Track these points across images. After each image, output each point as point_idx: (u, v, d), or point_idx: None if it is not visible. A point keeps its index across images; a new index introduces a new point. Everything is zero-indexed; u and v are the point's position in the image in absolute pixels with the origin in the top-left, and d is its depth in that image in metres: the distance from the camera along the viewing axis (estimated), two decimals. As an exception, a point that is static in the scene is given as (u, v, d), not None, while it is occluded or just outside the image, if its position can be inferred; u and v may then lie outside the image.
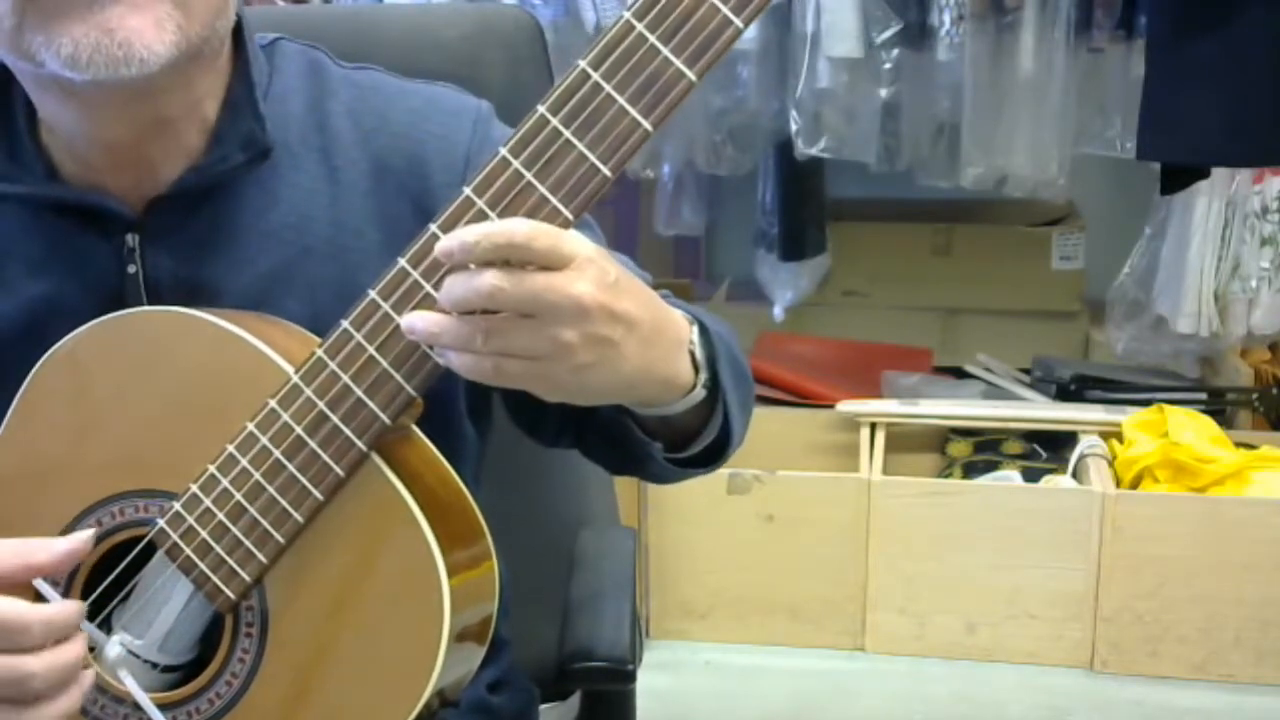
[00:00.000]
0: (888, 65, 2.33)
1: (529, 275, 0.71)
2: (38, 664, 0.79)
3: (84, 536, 0.83)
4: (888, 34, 2.28)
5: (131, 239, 0.90)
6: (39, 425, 0.88)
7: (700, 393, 0.84)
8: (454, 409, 0.97)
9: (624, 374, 0.76)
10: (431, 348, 0.76)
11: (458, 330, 0.73)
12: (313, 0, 2.27)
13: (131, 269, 0.90)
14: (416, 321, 0.74)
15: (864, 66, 2.34)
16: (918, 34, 2.30)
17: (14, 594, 0.80)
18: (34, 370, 0.87)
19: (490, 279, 0.71)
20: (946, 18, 2.27)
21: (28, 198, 0.91)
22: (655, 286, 0.87)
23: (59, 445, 0.87)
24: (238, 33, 0.92)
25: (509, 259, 0.71)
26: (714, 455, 0.91)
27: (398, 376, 0.78)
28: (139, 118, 0.86)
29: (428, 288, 0.77)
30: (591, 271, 0.73)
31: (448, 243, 0.72)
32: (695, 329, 0.84)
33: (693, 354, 0.83)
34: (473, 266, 0.72)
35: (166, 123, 0.88)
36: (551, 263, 0.72)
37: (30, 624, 0.79)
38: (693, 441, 0.89)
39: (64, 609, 0.81)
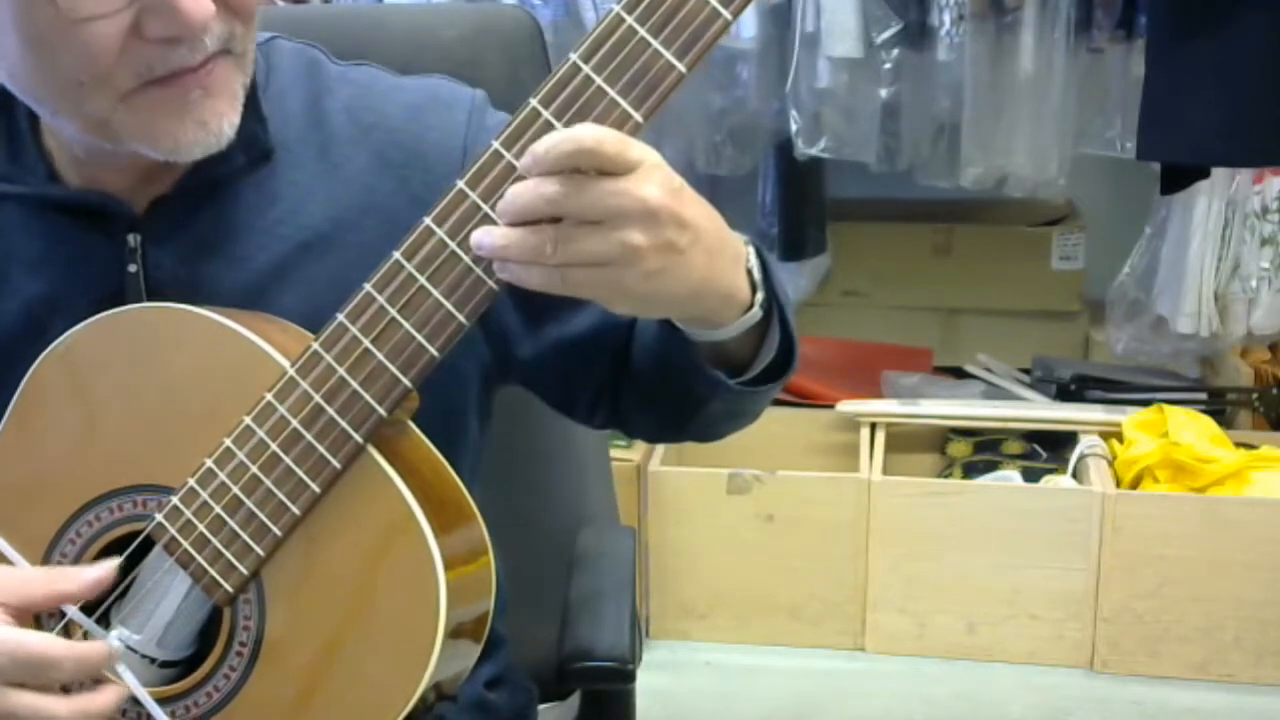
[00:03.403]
0: (888, 65, 2.34)
1: (595, 180, 0.71)
2: (64, 711, 0.80)
3: (110, 565, 0.84)
4: (888, 34, 2.28)
5: (133, 239, 0.90)
6: (37, 422, 0.88)
7: (757, 313, 0.84)
8: (463, 407, 0.98)
9: (691, 282, 0.76)
10: (490, 267, 0.76)
11: (525, 241, 0.72)
12: (313, 0, 2.27)
13: (132, 268, 0.90)
14: (484, 237, 0.73)
15: (864, 66, 2.34)
16: (918, 34, 2.30)
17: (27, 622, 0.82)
18: (32, 367, 0.87)
19: (555, 184, 0.71)
20: (946, 18, 2.28)
21: (29, 198, 0.91)
22: None
23: (57, 442, 0.88)
24: None
25: (579, 166, 0.71)
26: (779, 372, 0.89)
27: (393, 369, 0.79)
28: None
29: (422, 280, 0.77)
30: (659, 175, 0.73)
31: (524, 160, 0.72)
32: (751, 250, 0.84)
33: (750, 272, 0.83)
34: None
35: None
36: (619, 167, 0.72)
37: (61, 659, 0.80)
38: (745, 372, 0.88)
39: (97, 649, 0.82)
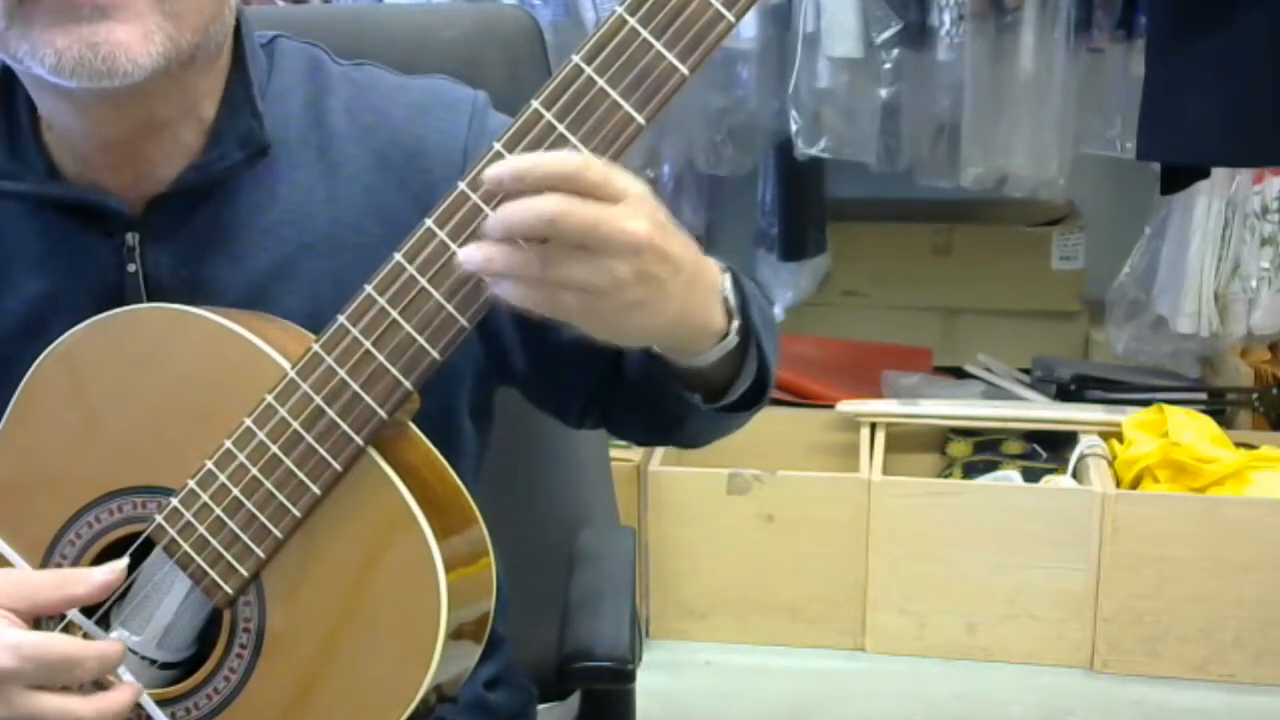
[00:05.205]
0: (888, 65, 2.33)
1: (588, 204, 0.71)
2: (88, 711, 0.81)
3: (119, 566, 0.84)
4: (888, 34, 2.28)
5: (131, 238, 0.90)
6: (36, 423, 0.88)
7: (734, 339, 0.84)
8: (456, 407, 0.98)
9: (667, 315, 0.76)
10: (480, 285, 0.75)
11: (511, 257, 0.72)
12: (313, 0, 2.27)
13: (131, 268, 0.90)
14: (474, 251, 0.73)
15: (864, 66, 2.34)
16: (918, 34, 2.30)
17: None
18: (32, 368, 0.87)
19: (553, 202, 0.70)
20: (946, 18, 2.28)
21: (29, 195, 0.91)
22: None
23: (57, 443, 0.87)
24: (236, 31, 0.92)
25: (559, 189, 0.71)
26: (754, 398, 0.90)
27: (394, 371, 0.79)
28: (133, 118, 0.87)
29: (423, 282, 0.77)
30: (645, 208, 0.73)
31: (498, 170, 0.72)
32: (727, 277, 0.84)
33: (726, 301, 0.83)
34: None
35: (162, 123, 0.88)
36: (604, 195, 0.71)
37: (85, 658, 0.80)
38: (725, 394, 0.89)
39: (114, 646, 0.82)
